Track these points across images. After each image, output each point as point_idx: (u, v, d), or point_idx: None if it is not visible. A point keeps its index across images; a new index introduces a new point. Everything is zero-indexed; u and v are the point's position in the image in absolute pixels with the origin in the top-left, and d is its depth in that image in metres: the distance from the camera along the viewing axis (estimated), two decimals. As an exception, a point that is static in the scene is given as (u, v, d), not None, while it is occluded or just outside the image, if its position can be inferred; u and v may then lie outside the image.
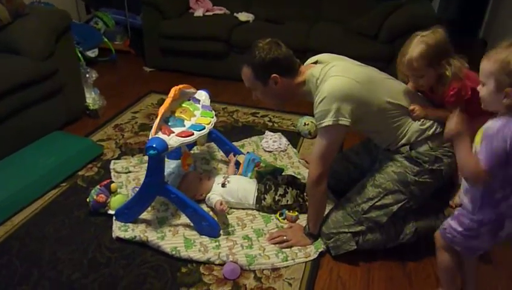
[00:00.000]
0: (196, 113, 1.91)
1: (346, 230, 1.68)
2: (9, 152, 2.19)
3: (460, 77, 1.48)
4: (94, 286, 1.55)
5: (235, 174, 2.13)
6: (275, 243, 1.75)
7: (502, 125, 1.12)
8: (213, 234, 1.77)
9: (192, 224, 1.80)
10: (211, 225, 1.75)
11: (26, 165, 2.10)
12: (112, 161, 2.29)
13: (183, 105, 1.93)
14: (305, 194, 1.92)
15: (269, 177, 2.00)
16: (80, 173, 2.22)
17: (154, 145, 1.59)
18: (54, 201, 2.01)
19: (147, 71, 3.75)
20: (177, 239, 1.75)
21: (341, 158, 2.06)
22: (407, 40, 1.54)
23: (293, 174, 2.20)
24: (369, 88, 1.56)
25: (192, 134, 1.73)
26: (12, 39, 2.37)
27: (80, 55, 3.42)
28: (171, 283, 1.58)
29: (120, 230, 1.79)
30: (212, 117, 1.91)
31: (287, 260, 1.68)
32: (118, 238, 1.76)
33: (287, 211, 1.90)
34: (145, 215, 1.87)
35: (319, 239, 1.77)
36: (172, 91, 1.82)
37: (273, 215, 1.93)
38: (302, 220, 1.87)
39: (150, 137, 1.65)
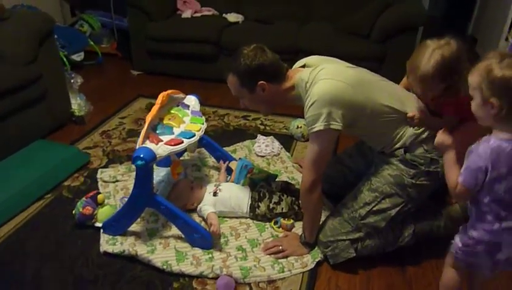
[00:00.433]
0: (185, 120, 1.83)
1: (344, 237, 1.62)
2: (-10, 163, 2.09)
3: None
4: (81, 306, 1.48)
5: (227, 181, 2.06)
6: (270, 254, 1.69)
7: (483, 142, 1.12)
8: (206, 245, 1.70)
9: (183, 235, 1.73)
10: (203, 237, 1.68)
11: (8, 177, 2.01)
12: (99, 170, 2.21)
13: (172, 111, 1.85)
14: (300, 201, 1.86)
15: (263, 184, 1.93)
16: (65, 183, 2.13)
17: (141, 156, 1.51)
18: (37, 214, 1.92)
19: (134, 74, 3.66)
20: (168, 252, 1.67)
21: (334, 162, 2.01)
22: (418, 48, 1.41)
23: (287, 179, 2.15)
24: (361, 91, 1.50)
25: (182, 142, 1.66)
26: (-9, 44, 2.28)
27: (65, 59, 3.33)
28: (162, 300, 1.50)
29: (108, 244, 1.71)
30: (203, 123, 1.84)
31: (283, 271, 1.62)
32: (106, 253, 1.68)
33: (282, 219, 1.83)
34: (134, 227, 1.80)
35: (316, 248, 1.71)
36: (160, 97, 1.75)
37: (267, 223, 1.86)
38: (298, 228, 1.81)
39: (137, 147, 1.58)
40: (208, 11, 3.65)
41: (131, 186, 1.72)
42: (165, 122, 1.77)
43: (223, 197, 1.86)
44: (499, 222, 1.18)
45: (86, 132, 2.64)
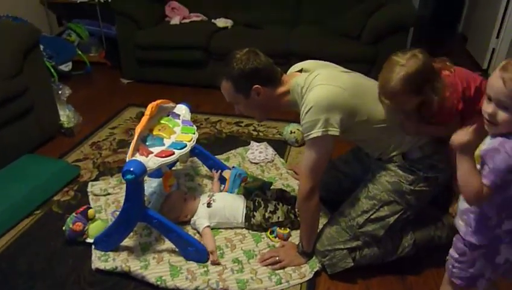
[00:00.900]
0: (176, 130, 1.79)
1: (342, 246, 1.59)
2: (-23, 180, 2.04)
3: (445, 97, 1.37)
4: (73, 327, 1.43)
5: (221, 190, 2.02)
6: (267, 265, 1.65)
7: (502, 141, 1.05)
8: (200, 259, 1.65)
9: (177, 249, 1.68)
10: (198, 250, 1.64)
11: (-4, 194, 1.95)
12: (90, 183, 2.16)
13: (162, 122, 1.81)
14: (296, 209, 1.82)
15: (257, 192, 1.89)
16: (55, 198, 2.08)
17: (131, 169, 1.47)
18: (27, 231, 1.87)
19: (124, 83, 3.61)
20: (162, 267, 1.63)
21: (329, 168, 1.96)
22: (386, 64, 1.38)
23: (282, 186, 2.11)
24: (358, 96, 1.47)
25: (173, 153, 1.61)
26: (-26, 58, 2.22)
27: (52, 70, 3.27)
28: (157, 317, 1.46)
29: (100, 260, 1.66)
30: (194, 133, 1.80)
31: (281, 283, 1.58)
32: (98, 270, 1.63)
33: (278, 229, 1.79)
34: (127, 241, 1.75)
35: (314, 257, 1.67)
36: (149, 108, 1.70)
37: (263, 233, 1.82)
38: (295, 237, 1.77)
39: (127, 160, 1.53)
40: (196, 17, 3.61)
41: (122, 199, 1.66)
42: (155, 133, 1.72)
43: (217, 208, 1.82)
44: (499, 225, 1.15)
45: (75, 144, 2.59)
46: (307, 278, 1.61)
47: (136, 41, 3.37)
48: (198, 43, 3.26)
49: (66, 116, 2.70)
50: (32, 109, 2.44)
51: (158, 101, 1.78)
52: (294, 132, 2.53)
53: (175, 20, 3.49)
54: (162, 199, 1.92)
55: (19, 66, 2.31)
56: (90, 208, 1.83)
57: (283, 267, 1.64)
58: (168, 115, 1.89)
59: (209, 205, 1.83)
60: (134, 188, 1.55)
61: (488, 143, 1.09)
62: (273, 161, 2.39)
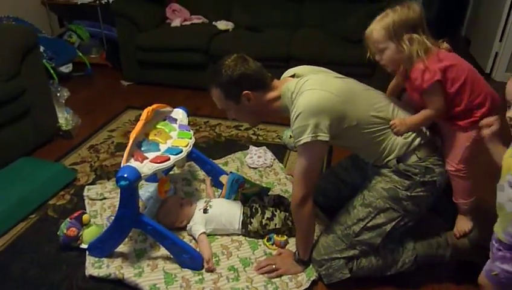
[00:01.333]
0: (172, 135, 1.77)
1: (339, 255, 1.56)
2: (-28, 183, 2.02)
3: (421, 56, 1.36)
4: (64, 335, 1.40)
5: (218, 196, 1.99)
6: (263, 273, 1.62)
7: None
8: (195, 266, 1.63)
9: (172, 256, 1.66)
10: (193, 257, 1.61)
11: (-9, 198, 1.93)
12: (86, 187, 2.14)
13: (158, 126, 1.79)
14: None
15: (255, 199, 1.87)
16: (50, 202, 2.06)
17: (125, 175, 1.45)
18: (21, 236, 1.85)
19: (124, 85, 3.59)
20: (157, 274, 1.60)
21: (329, 174, 1.96)
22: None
23: (280, 192, 2.08)
24: (348, 101, 1.45)
25: (168, 159, 1.59)
26: (-29, 60, 2.21)
27: (52, 71, 3.26)
28: (150, 326, 1.44)
29: (93, 267, 1.63)
30: (190, 138, 1.77)
31: (277, 292, 1.55)
32: (92, 277, 1.61)
33: (275, 236, 1.77)
34: (121, 247, 1.72)
35: (311, 266, 1.64)
36: (145, 112, 1.68)
37: (260, 240, 1.79)
38: (292, 244, 1.74)
39: (121, 165, 1.51)
40: (197, 19, 3.60)
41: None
42: (150, 138, 1.70)
43: (213, 214, 1.79)
44: None
45: (73, 147, 2.57)
46: (303, 288, 1.57)
47: (136, 43, 3.36)
48: (199, 46, 3.24)
49: (64, 118, 2.68)
50: (29, 111, 2.42)
51: (154, 106, 1.75)
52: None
53: (176, 23, 3.48)
54: (158, 204, 1.90)
55: (16, 68, 2.29)
56: (85, 213, 1.81)
57: (279, 276, 1.61)
58: (165, 120, 1.87)
59: (205, 211, 1.80)
60: (129, 195, 1.53)
61: None
62: (271, 165, 2.36)
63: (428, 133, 1.53)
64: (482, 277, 1.29)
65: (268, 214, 1.79)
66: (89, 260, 1.67)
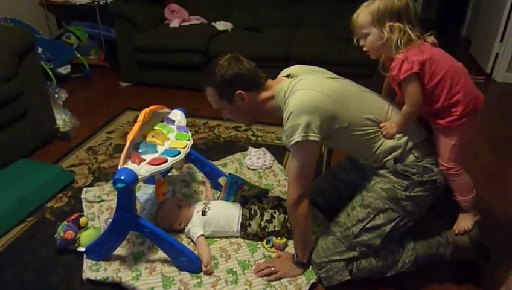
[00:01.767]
0: (170, 136, 1.75)
1: (338, 257, 1.54)
2: (-31, 186, 2.00)
3: (400, 46, 1.35)
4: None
5: (217, 198, 1.98)
6: (262, 276, 1.60)
7: None
8: (194, 269, 1.61)
9: (170, 259, 1.64)
10: (191, 260, 1.59)
11: (-13, 200, 1.92)
12: (84, 189, 2.12)
13: (156, 128, 1.77)
14: (290, 218, 1.77)
15: (253, 200, 1.85)
16: (48, 204, 2.04)
17: (122, 178, 1.43)
18: (18, 239, 1.83)
19: (123, 86, 3.58)
20: (155, 278, 1.58)
21: (328, 175, 1.94)
22: None
23: (279, 194, 2.07)
24: (340, 101, 1.44)
25: (166, 161, 1.57)
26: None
27: (50, 73, 3.25)
28: (147, 331, 1.42)
29: (91, 270, 1.62)
30: (189, 140, 1.75)
31: (276, 295, 1.53)
32: (89, 280, 1.59)
33: (274, 238, 1.75)
34: (119, 250, 1.70)
35: (310, 268, 1.62)
36: (142, 114, 1.67)
37: (259, 243, 1.77)
38: (291, 247, 1.72)
39: (118, 167, 1.49)
40: (196, 20, 3.58)
41: (116, 207, 1.64)
42: (148, 139, 1.68)
43: (212, 216, 1.78)
44: None
45: (71, 148, 2.56)
46: (303, 290, 1.56)
47: (135, 44, 3.34)
48: (198, 47, 3.23)
49: (62, 120, 2.67)
50: (27, 112, 2.40)
51: (152, 107, 1.74)
52: (293, 138, 2.49)
53: (174, 23, 3.46)
54: (156, 206, 1.88)
55: (13, 70, 2.28)
56: (82, 215, 1.79)
57: (279, 278, 1.59)
58: (163, 121, 1.85)
59: (203, 213, 1.78)
60: (126, 197, 1.51)
61: None
62: (271, 167, 2.34)
63: (424, 131, 1.52)
64: None
65: (267, 216, 1.77)
66: (86, 263, 1.66)
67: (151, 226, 1.58)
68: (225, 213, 1.80)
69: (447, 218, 1.63)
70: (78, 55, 3.68)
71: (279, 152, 2.50)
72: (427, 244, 1.60)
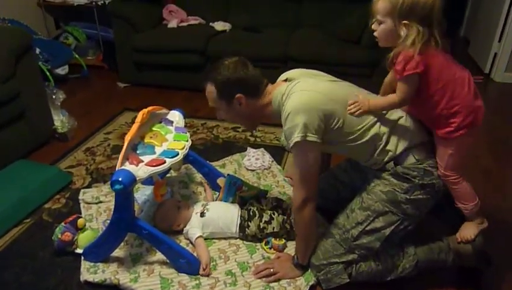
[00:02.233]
0: (168, 137, 1.74)
1: (337, 260, 1.53)
2: (-34, 187, 1.99)
3: (408, 47, 1.30)
4: None
5: (216, 199, 1.97)
6: (261, 277, 1.59)
7: None
8: (192, 271, 1.60)
9: (168, 261, 1.63)
10: (190, 262, 1.58)
11: (-15, 202, 1.90)
12: (81, 191, 2.11)
13: (154, 129, 1.76)
14: (291, 218, 1.76)
15: (252, 201, 1.84)
16: (46, 206, 2.03)
17: (120, 179, 1.42)
18: (15, 241, 1.82)
19: (121, 87, 3.57)
20: (153, 280, 1.58)
21: (328, 176, 1.92)
22: None
23: (278, 195, 2.06)
24: (336, 101, 1.44)
25: (164, 162, 1.56)
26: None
27: (48, 73, 3.24)
28: (146, 333, 1.41)
29: (89, 272, 1.61)
30: (187, 140, 1.74)
31: (275, 297, 1.52)
32: (87, 282, 1.58)
33: (273, 239, 1.74)
34: (117, 252, 1.69)
35: (309, 270, 1.61)
36: (140, 115, 1.66)
37: (258, 244, 1.76)
38: (290, 248, 1.72)
39: (116, 169, 1.48)
40: (194, 20, 3.57)
41: (114, 208, 1.62)
42: (146, 141, 1.67)
43: (210, 217, 1.77)
44: None
45: (69, 149, 2.55)
46: (302, 292, 1.55)
47: (133, 45, 3.34)
48: (196, 47, 3.22)
49: (60, 121, 2.66)
50: (25, 113, 2.40)
51: (150, 108, 1.73)
52: (292, 138, 2.48)
53: (172, 24, 3.45)
54: (155, 207, 1.87)
55: (11, 70, 2.27)
56: (80, 217, 1.78)
57: (278, 280, 1.59)
58: (161, 122, 1.84)
59: (202, 214, 1.77)
60: (124, 198, 1.51)
61: None
62: (269, 167, 2.33)
63: (425, 135, 1.51)
64: None
65: (266, 217, 1.76)
66: (84, 265, 1.65)
67: (150, 227, 1.57)
68: (224, 214, 1.79)
69: (449, 222, 1.62)
70: (76, 56, 3.67)
71: (278, 153, 2.49)
72: (428, 249, 1.58)
